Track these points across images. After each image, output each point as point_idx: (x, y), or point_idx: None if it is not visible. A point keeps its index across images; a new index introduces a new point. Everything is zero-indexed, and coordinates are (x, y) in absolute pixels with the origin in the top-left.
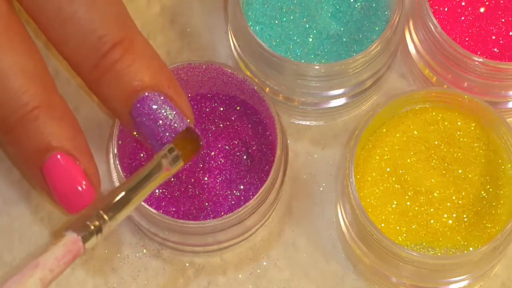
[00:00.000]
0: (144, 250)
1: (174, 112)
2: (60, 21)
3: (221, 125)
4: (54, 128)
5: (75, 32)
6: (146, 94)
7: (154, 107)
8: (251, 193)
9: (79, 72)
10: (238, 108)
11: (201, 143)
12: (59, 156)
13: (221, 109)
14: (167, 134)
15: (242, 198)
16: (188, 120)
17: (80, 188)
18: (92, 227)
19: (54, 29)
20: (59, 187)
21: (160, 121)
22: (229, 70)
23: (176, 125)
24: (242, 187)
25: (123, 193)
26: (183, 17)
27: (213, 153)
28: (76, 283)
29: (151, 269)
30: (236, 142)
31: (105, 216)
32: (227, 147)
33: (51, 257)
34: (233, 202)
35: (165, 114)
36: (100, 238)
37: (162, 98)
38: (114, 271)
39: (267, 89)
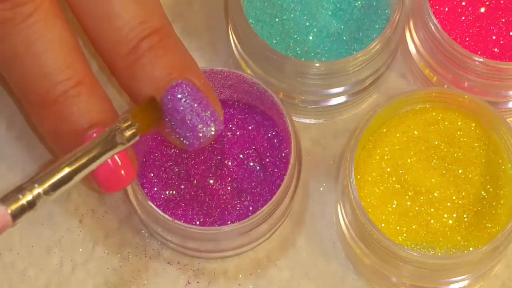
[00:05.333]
0: (145, 250)
1: (205, 102)
2: (100, 2)
3: (238, 133)
4: (96, 106)
5: (115, 16)
6: (181, 81)
7: (188, 95)
8: (260, 205)
9: (111, 58)
10: (256, 117)
11: (162, 114)
12: (98, 133)
13: (240, 116)
14: (199, 123)
15: (251, 208)
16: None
17: (120, 170)
18: (25, 202)
19: (91, 10)
20: (101, 167)
21: (193, 109)
22: (251, 80)
23: (207, 115)
24: (251, 197)
25: (67, 170)
26: (183, 17)
27: (226, 160)
28: (76, 283)
29: (151, 269)
30: (250, 152)
31: (41, 191)
32: (241, 155)
33: None
34: (241, 212)
35: (198, 103)
36: (33, 212)
37: (195, 88)
38: (114, 271)
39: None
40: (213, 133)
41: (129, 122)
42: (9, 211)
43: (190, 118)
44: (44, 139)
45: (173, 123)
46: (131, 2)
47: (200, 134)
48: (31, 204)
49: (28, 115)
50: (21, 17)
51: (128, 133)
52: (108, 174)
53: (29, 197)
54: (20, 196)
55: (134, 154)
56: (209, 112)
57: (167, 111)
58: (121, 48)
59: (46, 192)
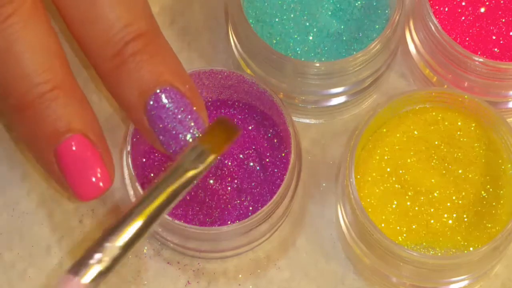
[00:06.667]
0: (144, 250)
1: (190, 109)
2: (87, 4)
3: None
4: (73, 110)
5: (101, 18)
6: (165, 87)
7: (171, 101)
8: (260, 205)
9: (97, 61)
10: (256, 117)
11: (235, 129)
12: (74, 140)
13: (240, 116)
14: (182, 131)
15: (251, 208)
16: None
17: (96, 176)
18: (99, 268)
19: (78, 12)
20: (73, 171)
21: (177, 116)
22: (250, 80)
23: (192, 123)
24: (251, 197)
25: (139, 222)
26: (183, 17)
27: (226, 160)
28: None
29: (151, 269)
30: (250, 152)
31: (114, 250)
32: (241, 155)
33: None
34: (241, 212)
35: (181, 110)
36: (107, 275)
37: (180, 94)
38: (114, 271)
39: (268, 87)
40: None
41: (199, 148)
42: (83, 282)
43: (173, 126)
44: (19, 143)
45: (156, 130)
46: (118, 4)
47: (183, 143)
48: (107, 269)
49: (5, 118)
50: None
51: (200, 158)
52: (83, 182)
53: (102, 260)
54: (92, 262)
55: (112, 161)
56: (193, 120)
57: (150, 118)
58: (106, 51)
59: (121, 251)
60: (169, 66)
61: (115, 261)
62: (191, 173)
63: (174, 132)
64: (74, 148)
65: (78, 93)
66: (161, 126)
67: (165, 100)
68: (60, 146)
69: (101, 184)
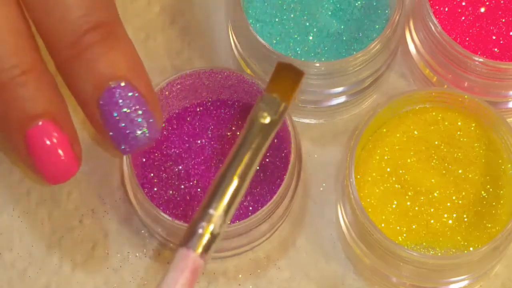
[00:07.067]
0: (144, 250)
1: (144, 109)
2: None
3: (238, 133)
4: (43, 95)
5: (61, 4)
6: (120, 83)
7: (125, 99)
8: (260, 205)
9: (54, 49)
10: None
11: (299, 71)
12: (43, 124)
13: (240, 116)
14: (133, 129)
15: (251, 208)
16: (153, 121)
17: (63, 160)
18: (208, 234)
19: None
20: (41, 156)
21: (129, 114)
22: (251, 80)
23: (145, 124)
24: (251, 197)
25: (235, 181)
26: (183, 17)
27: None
28: (76, 283)
29: (152, 269)
30: None
31: (218, 215)
32: None
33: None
34: (241, 212)
35: (135, 108)
36: (219, 240)
37: (135, 91)
38: (114, 271)
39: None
40: (146, 141)
41: (268, 98)
42: (197, 253)
43: (124, 124)
44: None
45: (106, 125)
46: None
47: (133, 142)
48: (215, 235)
49: None
50: None
51: (275, 108)
52: (51, 166)
53: (210, 227)
54: (201, 231)
55: (80, 145)
56: (145, 120)
57: (102, 113)
58: (64, 39)
59: (225, 213)
60: (128, 61)
61: (221, 226)
62: (267, 122)
63: (123, 130)
64: (42, 133)
65: (48, 78)
66: (112, 122)
67: (118, 98)
68: (30, 130)
69: (68, 168)
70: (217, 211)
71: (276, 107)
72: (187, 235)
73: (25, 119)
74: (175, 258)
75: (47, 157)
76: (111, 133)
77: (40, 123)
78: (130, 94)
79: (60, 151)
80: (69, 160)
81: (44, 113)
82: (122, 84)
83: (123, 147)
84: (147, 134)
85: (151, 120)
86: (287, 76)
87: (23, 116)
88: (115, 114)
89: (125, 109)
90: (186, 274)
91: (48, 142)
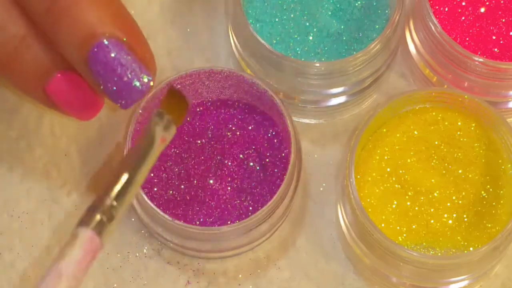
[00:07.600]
0: (144, 250)
1: (134, 64)
2: None
3: (238, 133)
4: (48, 52)
5: None
6: (103, 41)
7: (112, 55)
8: (260, 205)
9: (34, 19)
10: (256, 117)
11: (187, 101)
12: (60, 77)
13: (240, 116)
14: (125, 83)
15: (251, 208)
16: (149, 70)
17: (87, 104)
18: (104, 217)
19: None
20: (64, 103)
21: (118, 71)
22: (251, 80)
23: (135, 76)
24: (251, 197)
25: (126, 175)
26: (183, 17)
27: (226, 160)
28: None
29: (151, 269)
30: (250, 152)
31: (113, 202)
32: (241, 155)
33: (72, 262)
34: (241, 212)
35: (123, 63)
36: (115, 225)
37: (120, 46)
38: (114, 271)
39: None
40: (143, 89)
41: (164, 115)
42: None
43: (117, 78)
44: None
45: (100, 79)
46: None
47: (128, 93)
48: (110, 218)
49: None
50: None
51: (163, 125)
52: (76, 109)
53: (105, 211)
54: (98, 214)
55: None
56: (133, 71)
57: (92, 68)
58: (38, 7)
59: (119, 202)
60: (108, 15)
61: (114, 210)
62: (162, 144)
63: (114, 86)
64: (61, 84)
65: (44, 37)
66: (104, 81)
67: (104, 54)
68: (49, 85)
69: (94, 105)
70: (110, 197)
71: (169, 128)
72: (89, 217)
73: (40, 77)
74: (80, 239)
75: (71, 103)
76: (108, 85)
77: (56, 76)
78: (116, 47)
79: (81, 98)
80: (91, 98)
81: (54, 65)
82: (105, 42)
83: (115, 96)
84: (145, 80)
85: (143, 70)
86: (178, 102)
87: (38, 74)
88: (105, 73)
89: (114, 65)
90: (90, 255)
91: (68, 91)
